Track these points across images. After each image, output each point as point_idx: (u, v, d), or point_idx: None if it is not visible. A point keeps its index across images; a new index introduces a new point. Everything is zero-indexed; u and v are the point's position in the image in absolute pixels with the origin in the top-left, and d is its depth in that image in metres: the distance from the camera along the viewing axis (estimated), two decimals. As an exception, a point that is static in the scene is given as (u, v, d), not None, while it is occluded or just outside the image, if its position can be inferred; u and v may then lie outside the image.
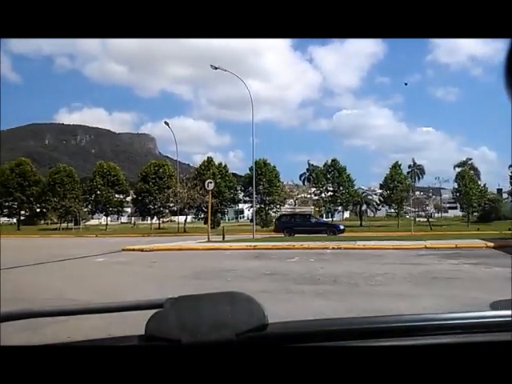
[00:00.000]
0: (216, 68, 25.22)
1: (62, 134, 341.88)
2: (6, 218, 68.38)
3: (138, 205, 59.85)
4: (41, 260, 14.34)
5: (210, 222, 22.05)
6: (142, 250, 17.67)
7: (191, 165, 53.66)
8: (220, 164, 62.09)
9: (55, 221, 62.56)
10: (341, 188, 57.23)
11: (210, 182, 21.49)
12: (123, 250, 18.32)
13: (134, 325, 0.71)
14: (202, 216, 54.14)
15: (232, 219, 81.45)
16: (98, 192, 58.80)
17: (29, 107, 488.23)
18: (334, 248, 15.74)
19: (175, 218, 64.42)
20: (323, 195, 56.02)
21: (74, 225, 57.88)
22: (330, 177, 57.74)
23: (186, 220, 43.50)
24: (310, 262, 12.18)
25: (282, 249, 16.33)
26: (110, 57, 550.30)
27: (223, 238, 22.53)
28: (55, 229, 56.66)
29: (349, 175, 58.03)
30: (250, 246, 17.07)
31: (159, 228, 53.91)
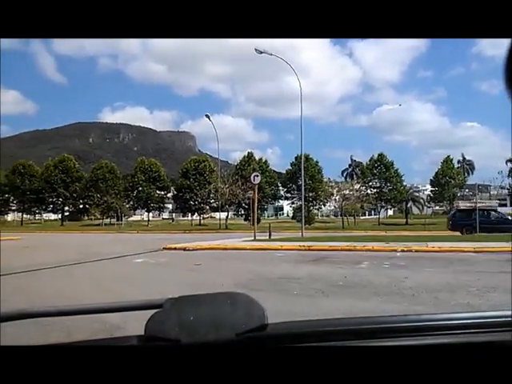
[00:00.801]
0: (261, 52, 23.31)
1: (106, 133, 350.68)
2: (50, 214, 69.57)
3: (179, 201, 59.02)
4: (77, 258, 13.02)
5: (255, 218, 20.11)
6: (184, 249, 16.07)
7: (229, 162, 52.26)
8: (260, 159, 60.31)
9: (98, 217, 62.81)
10: (388, 184, 54.19)
11: (257, 176, 19.57)
12: (164, 248, 16.81)
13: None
14: (243, 212, 52.63)
15: (271, 216, 79.50)
16: (140, 188, 58.35)
17: (74, 107, 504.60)
18: (403, 250, 13.53)
19: (215, 215, 63.40)
20: (369, 191, 53.13)
21: (117, 221, 57.72)
22: (377, 172, 54.77)
23: (227, 216, 41.97)
24: (384, 268, 10.05)
25: (341, 250, 14.27)
26: (150, 56, 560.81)
27: (269, 236, 20.67)
28: (98, 224, 56.66)
29: (397, 170, 54.88)
30: (303, 246, 15.09)
31: (200, 224, 52.76)
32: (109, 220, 58.98)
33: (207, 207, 55.73)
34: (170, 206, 68.38)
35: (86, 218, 69.76)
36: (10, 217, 66.43)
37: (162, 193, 60.98)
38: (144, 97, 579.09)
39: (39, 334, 3.72)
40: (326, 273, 9.27)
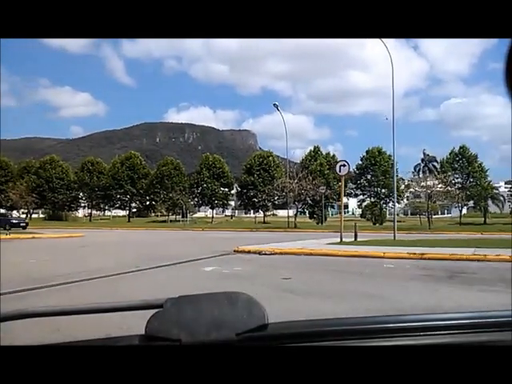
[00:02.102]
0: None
1: (172, 132, 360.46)
2: (119, 210, 70.24)
3: (243, 198, 56.88)
4: (136, 263, 10.60)
5: (342, 216, 16.88)
6: (259, 253, 13.25)
7: (290, 159, 49.03)
8: (328, 154, 56.70)
9: (164, 213, 62.39)
10: (471, 180, 48.61)
11: (344, 165, 16.26)
12: (235, 251, 14.11)
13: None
14: (311, 210, 49.34)
15: (335, 214, 75.39)
16: (204, 185, 56.84)
17: (142, 107, 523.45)
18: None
19: (277, 212, 60.74)
20: (449, 188, 47.85)
21: (182, 217, 56.69)
22: (458, 166, 49.31)
23: (296, 214, 38.82)
24: None
25: (467, 260, 10.79)
26: (213, 57, 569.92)
27: (355, 237, 17.38)
28: (164, 221, 55.90)
29: (480, 164, 49.15)
30: (413, 253, 11.71)
31: (264, 222, 50.11)
32: (174, 217, 58.02)
33: (269, 204, 52.97)
34: (232, 202, 66.49)
35: (152, 214, 69.86)
36: (80, 213, 67.59)
37: (226, 189, 59.16)
38: (207, 97, 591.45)
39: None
40: (489, 304, 5.94)
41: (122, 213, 73.52)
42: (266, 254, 13.13)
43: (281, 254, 13.19)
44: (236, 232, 31.09)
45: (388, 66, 18.79)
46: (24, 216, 49.56)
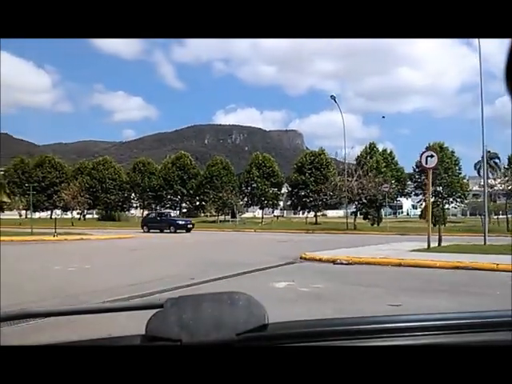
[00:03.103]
0: None
1: (220, 134, 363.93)
2: (170, 211, 69.98)
3: (293, 198, 54.54)
4: (188, 273, 8.76)
5: (429, 216, 14.26)
6: (333, 262, 10.97)
7: (338, 159, 46.32)
8: (384, 150, 53.15)
9: (213, 213, 61.31)
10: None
11: (431, 156, 13.54)
12: (303, 258, 11.91)
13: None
14: (365, 210, 46.18)
15: (389, 214, 71.31)
16: (254, 184, 55.02)
17: (191, 110, 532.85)
18: None
19: (326, 212, 57.76)
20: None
21: (231, 217, 55.24)
22: (532, 163, 44.52)
23: (355, 215, 36.03)
24: None
25: None
26: (260, 59, 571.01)
27: (439, 242, 14.68)
28: (214, 221, 54.64)
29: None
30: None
31: (316, 223, 47.42)
32: (223, 217, 56.67)
33: (321, 204, 50.21)
34: (281, 202, 64.30)
35: (201, 214, 69.09)
36: (132, 213, 67.80)
37: (276, 189, 57.07)
38: (254, 98, 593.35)
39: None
40: None
41: (172, 213, 73.26)
42: (342, 264, 10.82)
43: (360, 263, 10.83)
44: (290, 234, 28.83)
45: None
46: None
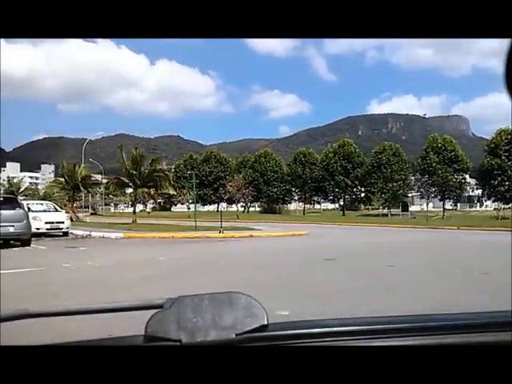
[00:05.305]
0: None
1: (374, 124, 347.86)
2: (327, 204, 65.30)
3: (485, 186, 44.39)
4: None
5: None
6: None
7: None
8: None
9: (376, 206, 54.57)
10: None
11: None
12: None
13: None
14: None
15: None
16: (433, 171, 46.31)
17: (344, 102, 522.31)
18: None
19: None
20: None
21: (402, 211, 47.70)
22: None
23: None
24: None
25: None
26: (415, 42, 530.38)
27: None
28: (377, 215, 47.93)
29: None
30: None
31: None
32: (386, 210, 49.38)
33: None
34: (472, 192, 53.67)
35: (362, 207, 62.76)
36: (292, 206, 64.93)
37: (460, 177, 47.46)
38: (411, 84, 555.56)
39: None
40: None
41: (330, 206, 68.40)
42: None
43: None
44: (494, 234, 20.47)
45: None
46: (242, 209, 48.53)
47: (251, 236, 17.22)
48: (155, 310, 0.69)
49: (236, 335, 0.66)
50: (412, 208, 52.78)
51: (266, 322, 0.68)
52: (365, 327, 0.73)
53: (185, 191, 50.56)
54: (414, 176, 51.36)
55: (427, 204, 50.28)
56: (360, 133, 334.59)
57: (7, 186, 46.23)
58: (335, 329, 0.72)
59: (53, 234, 16.13)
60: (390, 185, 49.82)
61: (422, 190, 49.49)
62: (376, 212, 52.61)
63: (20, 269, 7.84)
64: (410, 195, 55.03)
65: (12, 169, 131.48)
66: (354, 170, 54.67)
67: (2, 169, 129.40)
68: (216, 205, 63.18)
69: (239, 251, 12.47)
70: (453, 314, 0.79)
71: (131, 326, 1.40)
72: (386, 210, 49.95)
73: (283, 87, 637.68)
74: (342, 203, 58.60)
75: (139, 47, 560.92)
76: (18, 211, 12.67)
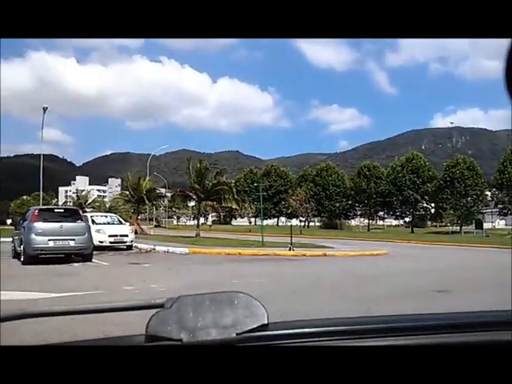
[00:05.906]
0: None
1: (438, 138, 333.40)
2: (391, 220, 61.74)
3: None
4: None
5: None
6: None
7: None
8: None
9: (444, 223, 50.44)
10: None
11: None
12: None
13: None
14: None
15: None
16: (511, 185, 42.17)
17: (406, 115, 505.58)
18: None
19: None
20: None
21: (476, 228, 43.47)
22: None
23: None
24: None
25: None
26: (481, 53, 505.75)
27: None
28: (447, 232, 44.01)
29: None
30: None
31: None
32: (454, 227, 45.30)
33: None
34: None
35: (429, 224, 58.52)
36: (353, 222, 62.01)
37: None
38: (477, 97, 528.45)
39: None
40: None
41: (394, 222, 64.62)
42: None
43: None
44: None
45: None
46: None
47: (325, 255, 15.45)
48: (156, 310, 0.68)
49: (237, 334, 0.66)
50: (487, 225, 48.27)
51: (266, 322, 0.68)
52: (366, 327, 0.72)
53: (246, 205, 49.69)
54: (489, 191, 47.20)
55: (499, 221, 45.78)
56: (423, 147, 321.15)
57: (75, 198, 47.61)
58: (336, 328, 0.72)
59: (116, 247, 15.38)
60: (464, 200, 45.94)
61: (500, 205, 45.12)
62: (445, 229, 48.64)
63: (76, 291, 6.72)
64: (483, 211, 50.58)
65: (81, 182, 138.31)
66: (423, 185, 51.17)
67: (72, 182, 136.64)
68: (276, 219, 61.79)
69: (325, 274, 10.60)
70: (453, 313, 0.77)
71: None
72: (456, 228, 45.96)
73: (342, 101, 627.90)
74: (408, 219, 55.00)
75: (202, 66, 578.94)
76: (80, 224, 11.86)
